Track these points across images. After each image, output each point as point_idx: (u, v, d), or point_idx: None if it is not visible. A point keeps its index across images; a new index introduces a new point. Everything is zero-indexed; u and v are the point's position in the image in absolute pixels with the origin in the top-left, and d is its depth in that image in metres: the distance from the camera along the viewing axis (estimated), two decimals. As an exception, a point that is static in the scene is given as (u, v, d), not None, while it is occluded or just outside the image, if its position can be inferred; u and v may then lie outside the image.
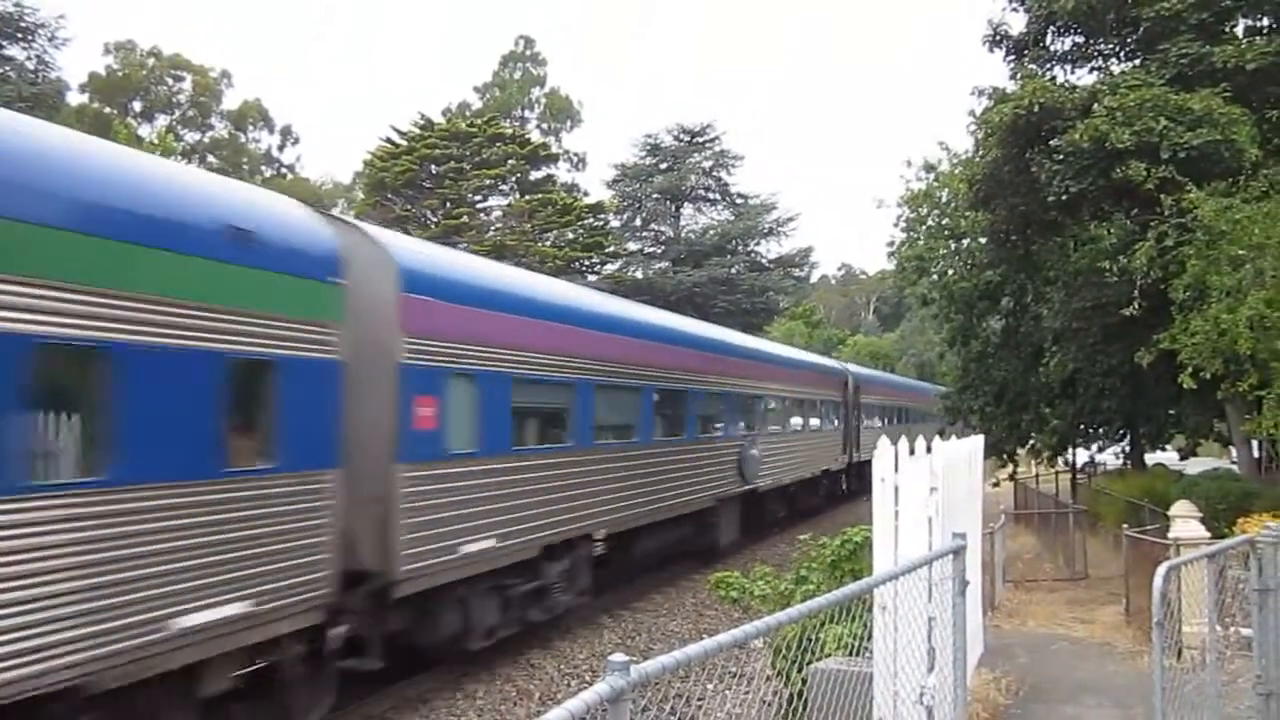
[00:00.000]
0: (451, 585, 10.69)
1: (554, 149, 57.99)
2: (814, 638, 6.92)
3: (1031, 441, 25.03)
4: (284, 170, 73.31)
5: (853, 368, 36.71)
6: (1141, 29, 18.12)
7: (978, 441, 12.13)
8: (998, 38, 20.84)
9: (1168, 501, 14.13)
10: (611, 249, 52.16)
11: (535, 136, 58.01)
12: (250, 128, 73.01)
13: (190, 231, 7.56)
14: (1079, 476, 27.88)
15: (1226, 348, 14.29)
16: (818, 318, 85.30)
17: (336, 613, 8.98)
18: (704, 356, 19.49)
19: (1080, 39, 20.29)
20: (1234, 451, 20.27)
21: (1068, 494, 26.02)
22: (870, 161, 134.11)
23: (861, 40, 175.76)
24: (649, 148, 55.29)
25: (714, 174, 55.95)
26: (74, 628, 6.33)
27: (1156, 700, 5.95)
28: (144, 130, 59.14)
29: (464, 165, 47.61)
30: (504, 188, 50.29)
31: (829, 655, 7.37)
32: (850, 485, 32.97)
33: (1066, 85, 18.66)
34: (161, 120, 66.07)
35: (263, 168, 71.00)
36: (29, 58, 38.69)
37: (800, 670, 6.75)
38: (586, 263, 50.02)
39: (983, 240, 23.27)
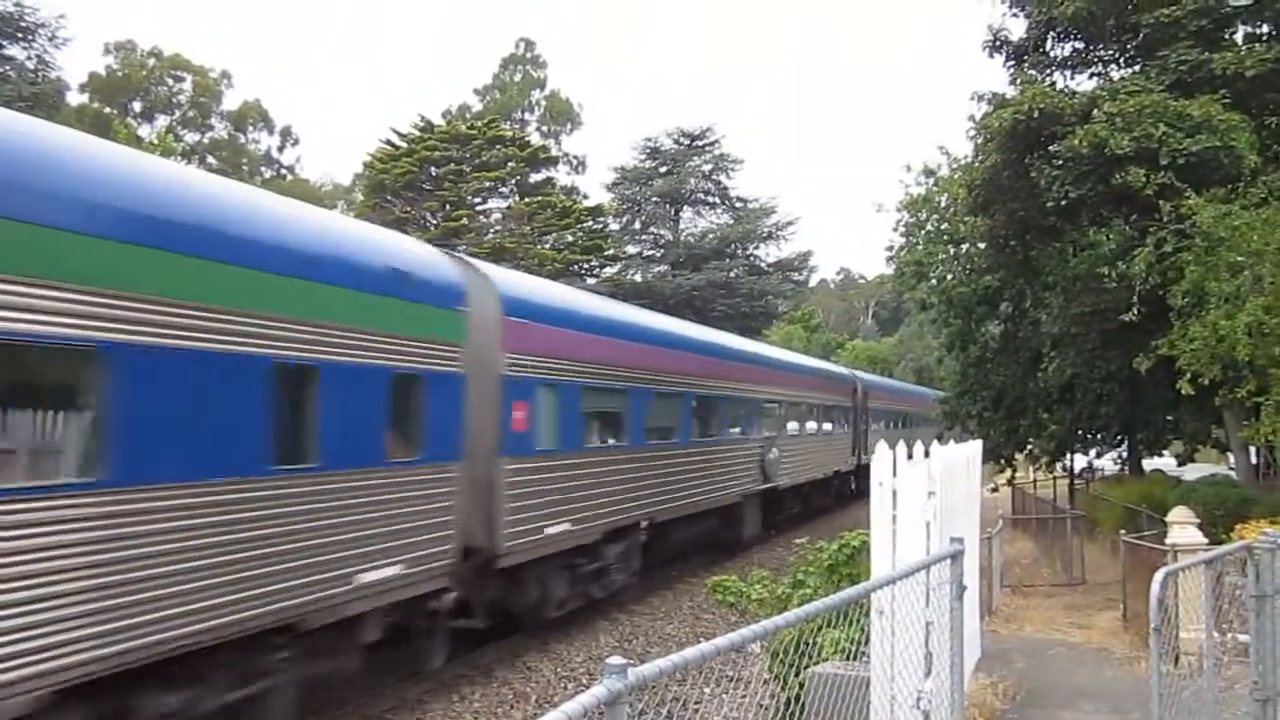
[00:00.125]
0: (536, 561, 12.63)
1: (554, 152, 58.05)
2: (811, 642, 6.92)
3: (1029, 447, 25.04)
4: (283, 171, 73.37)
5: (861, 374, 38.36)
6: (1141, 35, 18.15)
7: (976, 446, 12.14)
8: (998, 43, 20.87)
9: (1165, 507, 14.16)
10: (611, 252, 52.15)
11: (535, 139, 58.05)
12: (250, 128, 73.09)
13: (369, 274, 9.58)
14: (1077, 482, 27.87)
15: (1225, 354, 14.30)
16: (816, 322, 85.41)
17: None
18: (734, 366, 21.51)
19: (1080, 45, 20.32)
20: (1231, 458, 20.28)
21: (1065, 499, 26.03)
22: (870, 165, 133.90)
23: (862, 42, 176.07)
24: (648, 151, 55.31)
25: (713, 177, 55.94)
26: (296, 578, 8.25)
27: (1154, 706, 5.95)
28: (144, 130, 59.19)
29: (464, 167, 47.62)
30: (504, 190, 50.30)
31: (826, 659, 7.37)
32: (859, 485, 33.48)
33: (1066, 91, 18.69)
34: (161, 120, 66.15)
35: (262, 169, 71.06)
36: (29, 57, 38.67)
37: (798, 674, 6.75)
38: (585, 266, 50.02)
39: (982, 245, 23.26)
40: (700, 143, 55.43)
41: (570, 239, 49.40)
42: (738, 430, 21.60)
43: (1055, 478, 28.43)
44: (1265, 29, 18.63)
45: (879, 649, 6.68)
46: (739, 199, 56.50)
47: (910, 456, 7.46)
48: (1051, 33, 20.11)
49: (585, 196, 58.23)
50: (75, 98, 55.70)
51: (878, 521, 7.34)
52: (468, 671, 11.94)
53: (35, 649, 6.03)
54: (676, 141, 55.38)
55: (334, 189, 74.81)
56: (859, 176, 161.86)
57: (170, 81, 68.07)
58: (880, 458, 7.41)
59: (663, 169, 54.73)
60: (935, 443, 8.10)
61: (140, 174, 7.69)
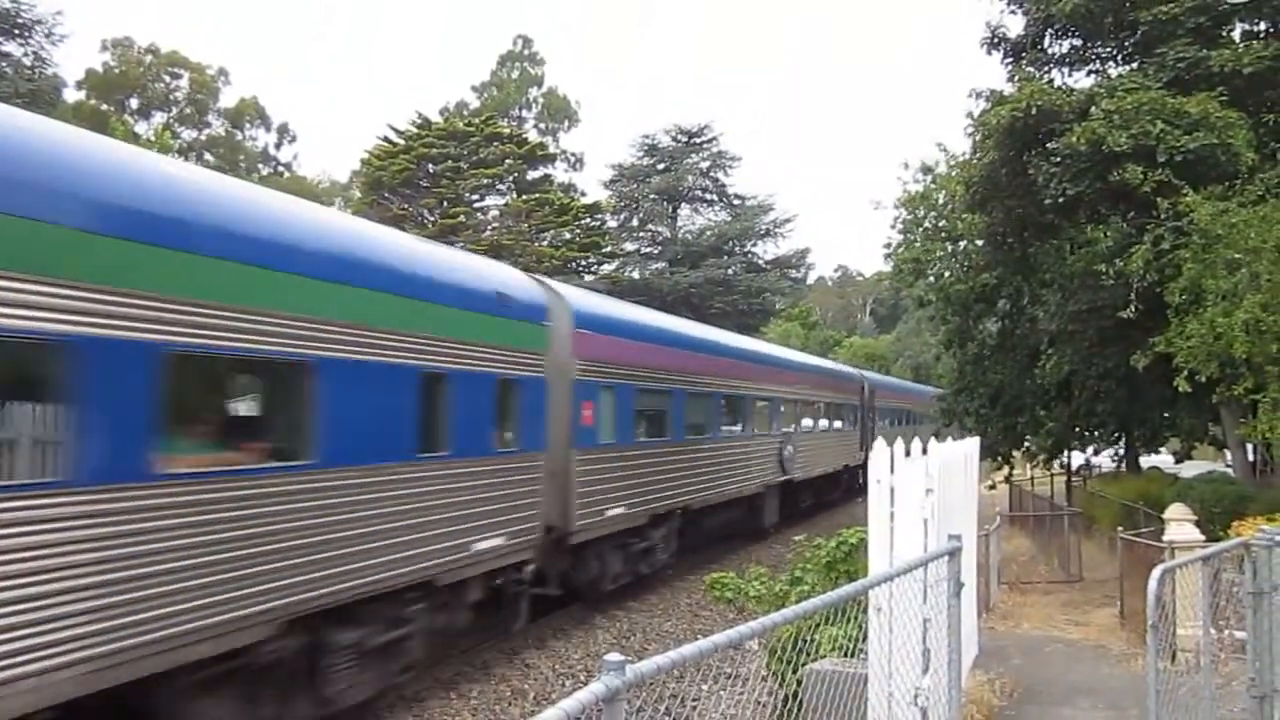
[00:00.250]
0: (598, 539, 14.67)
1: (551, 149, 57.98)
2: (809, 639, 6.92)
3: (1027, 444, 25.05)
4: (280, 169, 73.25)
5: (868, 374, 40.19)
6: (1139, 32, 18.14)
7: (974, 443, 12.14)
8: (996, 40, 20.85)
9: (1162, 504, 14.16)
10: (608, 249, 52.14)
11: (533, 136, 57.96)
12: (247, 126, 72.95)
13: (480, 298, 11.63)
14: (1074, 479, 27.88)
15: (1222, 351, 14.31)
16: (814, 319, 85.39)
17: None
18: (756, 368, 23.48)
19: (1078, 42, 20.30)
20: (1229, 455, 20.31)
21: (1063, 497, 26.05)
22: (868, 162, 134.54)
23: (861, 41, 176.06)
24: (646, 148, 55.30)
25: (711, 175, 55.96)
26: (432, 544, 10.17)
27: (1151, 703, 5.95)
28: (141, 128, 59.06)
29: (461, 165, 47.57)
30: (501, 187, 50.26)
31: (824, 656, 7.37)
32: (865, 479, 33.48)
33: (1064, 88, 18.68)
34: (158, 118, 65.99)
35: (260, 166, 70.92)
36: (25, 54, 38.58)
37: (795, 671, 6.75)
38: (583, 263, 50.01)
39: (979, 242, 23.27)
40: (698, 140, 55.43)
41: (568, 236, 49.39)
42: (759, 427, 23.30)
43: (1053, 475, 28.46)
44: (1263, 26, 18.63)
45: (877, 646, 6.68)
46: (737, 196, 56.54)
47: (909, 454, 7.46)
48: (1050, 30, 20.10)
49: (583, 194, 58.23)
50: (72, 94, 55.67)
51: (875, 519, 7.35)
52: (465, 669, 11.94)
53: (281, 587, 8.00)
54: (674, 139, 55.38)
55: (331, 186, 74.72)
56: (857, 174, 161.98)
57: (167, 78, 67.91)
58: (878, 455, 7.41)
59: (660, 166, 54.73)
60: (933, 440, 8.11)
61: (349, 231, 10.36)
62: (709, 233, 55.37)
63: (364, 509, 9.07)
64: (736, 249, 55.45)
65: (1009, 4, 20.50)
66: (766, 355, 26.15)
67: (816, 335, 77.80)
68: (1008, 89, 19.46)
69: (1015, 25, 20.70)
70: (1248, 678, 7.16)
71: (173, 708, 7.38)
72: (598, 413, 14.47)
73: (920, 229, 27.36)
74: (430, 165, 47.55)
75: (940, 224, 26.51)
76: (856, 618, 6.63)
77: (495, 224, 48.29)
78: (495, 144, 48.61)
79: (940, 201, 26.43)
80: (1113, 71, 19.67)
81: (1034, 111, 16.88)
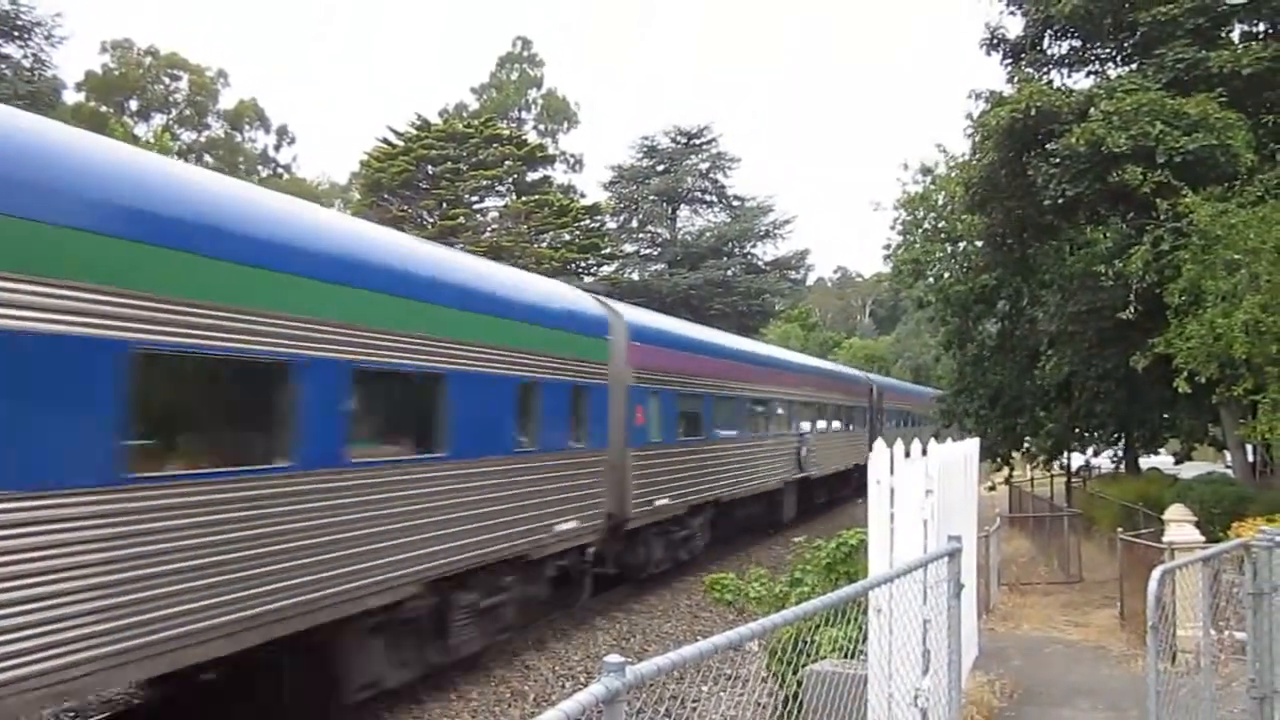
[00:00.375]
0: (647, 526, 16.52)
1: (551, 150, 58.01)
2: (809, 640, 6.91)
3: (1027, 445, 25.05)
4: (280, 170, 73.27)
5: (876, 378, 42.71)
6: (1138, 33, 18.16)
7: (973, 444, 12.14)
8: (995, 41, 20.87)
9: (1162, 505, 14.16)
10: (608, 250, 52.15)
11: (532, 138, 58.00)
12: (246, 127, 72.96)
13: (558, 316, 13.67)
14: (1074, 480, 27.88)
15: (1221, 352, 14.31)
16: (813, 320, 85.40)
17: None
18: (776, 373, 25.33)
19: (1077, 43, 20.32)
20: (1228, 456, 20.30)
21: (1062, 498, 26.05)
22: (867, 164, 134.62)
23: (860, 41, 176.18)
24: (646, 149, 55.31)
25: (711, 176, 55.96)
26: (525, 524, 12.05)
27: (1151, 704, 5.95)
28: (140, 129, 59.08)
29: (461, 166, 47.58)
30: (500, 189, 50.27)
31: (824, 657, 7.36)
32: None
33: (1063, 89, 18.69)
34: (158, 119, 66.01)
35: (259, 167, 70.93)
36: (25, 56, 38.58)
37: (795, 672, 6.75)
38: (583, 264, 50.01)
39: (979, 243, 23.28)
40: (698, 141, 55.44)
41: (567, 237, 49.40)
42: (780, 428, 25.13)
43: (1052, 476, 28.46)
44: (1262, 27, 18.64)
45: (877, 647, 6.68)
46: (736, 198, 56.56)
47: (908, 455, 7.45)
48: (1049, 31, 20.12)
49: (582, 195, 58.25)
50: (71, 96, 55.68)
51: (875, 520, 7.34)
52: (465, 670, 11.93)
53: (424, 554, 9.88)
54: (674, 140, 55.39)
55: (331, 188, 74.74)
56: (856, 175, 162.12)
57: (167, 80, 67.96)
58: (878, 456, 7.40)
59: (660, 168, 54.74)
60: (933, 441, 8.10)
61: (467, 267, 12.55)
62: (708, 234, 55.38)
63: (479, 494, 11.02)
64: (736, 250, 55.46)
65: (1008, 5, 20.53)
66: (786, 361, 28.26)
67: (816, 336, 77.80)
68: (1007, 90, 19.48)
69: (1015, 26, 20.76)
70: (1248, 679, 7.16)
71: (352, 644, 9.28)
72: (647, 415, 16.41)
73: (920, 230, 27.37)
74: (430, 167, 47.57)
75: (940, 225, 26.51)
76: (856, 619, 6.63)
77: (495, 225, 48.31)
78: (495, 145, 48.62)
79: (940, 202, 26.44)
80: (1112, 72, 19.68)
81: (1033, 112, 16.90)
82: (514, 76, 68.70)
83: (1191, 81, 16.77)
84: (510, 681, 11.81)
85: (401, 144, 47.69)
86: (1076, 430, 23.69)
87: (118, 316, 6.52)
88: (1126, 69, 19.10)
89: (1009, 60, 20.85)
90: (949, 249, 26.44)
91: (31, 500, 6.00)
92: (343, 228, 10.48)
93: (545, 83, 69.27)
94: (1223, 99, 16.01)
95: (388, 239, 11.28)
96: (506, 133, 52.12)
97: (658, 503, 16.65)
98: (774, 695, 8.01)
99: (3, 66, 37.20)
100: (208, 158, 65.13)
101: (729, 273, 53.41)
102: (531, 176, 51.97)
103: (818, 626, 7.01)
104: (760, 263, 56.39)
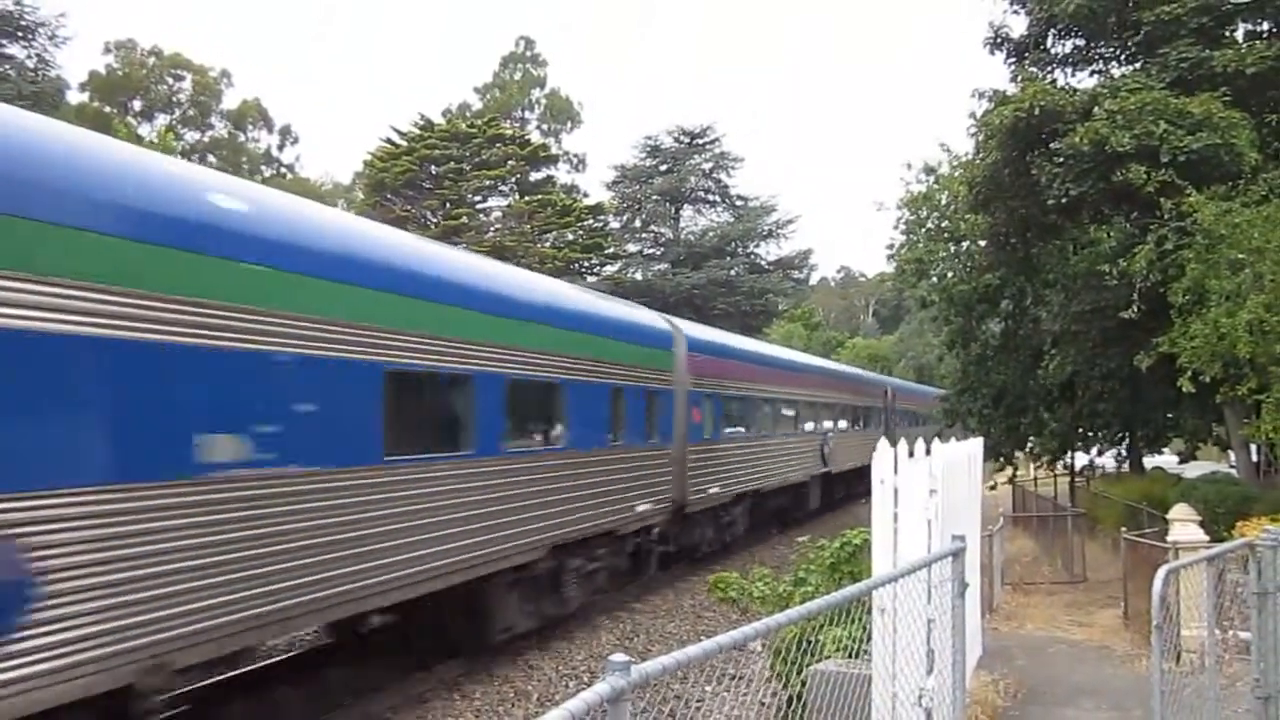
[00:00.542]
0: (701, 512, 18.69)
1: (554, 150, 58.00)
2: (813, 640, 6.92)
3: (1030, 445, 25.02)
4: (283, 170, 73.31)
5: (890, 380, 46.05)
6: (1142, 33, 18.12)
7: (977, 444, 12.13)
8: (999, 40, 20.86)
9: (1166, 505, 14.15)
10: (611, 250, 52.15)
11: (535, 137, 57.99)
12: (250, 127, 73.01)
13: (636, 332, 16.33)
14: (1077, 480, 27.85)
15: (1225, 351, 14.29)
16: (817, 320, 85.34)
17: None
18: (805, 376, 28.12)
19: (1081, 42, 20.30)
20: (1232, 455, 20.27)
21: (1066, 497, 26.01)
22: (870, 163, 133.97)
23: (861, 41, 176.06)
24: (649, 149, 55.31)
25: (714, 176, 55.96)
26: (614, 504, 14.51)
27: (1155, 704, 5.94)
28: (144, 130, 59.14)
29: (464, 166, 47.61)
30: (504, 188, 50.28)
31: (828, 657, 7.36)
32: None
33: (1067, 88, 18.68)
34: (161, 119, 66.05)
35: (262, 167, 70.99)
36: (29, 56, 38.68)
37: (799, 672, 6.75)
38: (586, 264, 50.02)
39: (982, 243, 23.25)
40: (700, 141, 55.42)
41: (570, 237, 49.40)
42: (807, 426, 27.56)
43: (1056, 475, 28.43)
44: (1266, 26, 18.61)
45: (881, 647, 6.67)
46: (739, 197, 56.53)
47: (911, 455, 7.45)
48: (1052, 30, 20.10)
49: (585, 195, 58.26)
50: (75, 96, 55.73)
51: (879, 519, 7.33)
52: (469, 669, 11.94)
53: (550, 525, 12.37)
54: (677, 140, 55.38)
55: (334, 187, 74.78)
56: (859, 175, 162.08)
57: (170, 80, 67.97)
58: (881, 455, 7.39)
59: (663, 167, 54.74)
60: (936, 440, 8.10)
61: (577, 295, 15.76)
62: (711, 234, 55.37)
63: (585, 479, 13.47)
64: (739, 250, 55.45)
65: (1012, 4, 20.52)
66: (813, 367, 31.29)
67: (819, 336, 77.73)
68: (1010, 89, 19.45)
69: (1018, 25, 20.74)
70: (1252, 678, 7.16)
71: (496, 595, 11.62)
72: (702, 415, 18.63)
73: (923, 229, 27.36)
74: (433, 166, 47.59)
75: (943, 224, 26.50)
76: (860, 618, 6.63)
77: (498, 225, 48.33)
78: (498, 145, 48.64)
79: (943, 202, 26.43)
80: (1116, 72, 19.66)
81: (1037, 112, 16.88)
82: (517, 76, 68.71)
83: (1195, 81, 16.74)
84: (514, 681, 11.81)
85: (405, 144, 47.71)
86: (1080, 430, 23.66)
87: (377, 346, 9.03)
88: (1130, 68, 19.07)
89: (1013, 59, 20.84)
90: (952, 248, 26.43)
91: (334, 474, 8.46)
92: (499, 271, 13.55)
93: (548, 83, 69.32)
94: (1227, 98, 15.98)
95: (525, 278, 14.39)
96: (509, 132, 52.12)
97: (710, 491, 18.95)
98: (778, 695, 8.01)
99: (7, 67, 37.27)
100: (211, 158, 65.17)
101: (732, 272, 53.40)
102: (535, 176, 51.98)
103: (822, 626, 7.02)
104: (763, 262, 56.38)
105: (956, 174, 24.60)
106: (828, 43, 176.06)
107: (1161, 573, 6.17)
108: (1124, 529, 14.75)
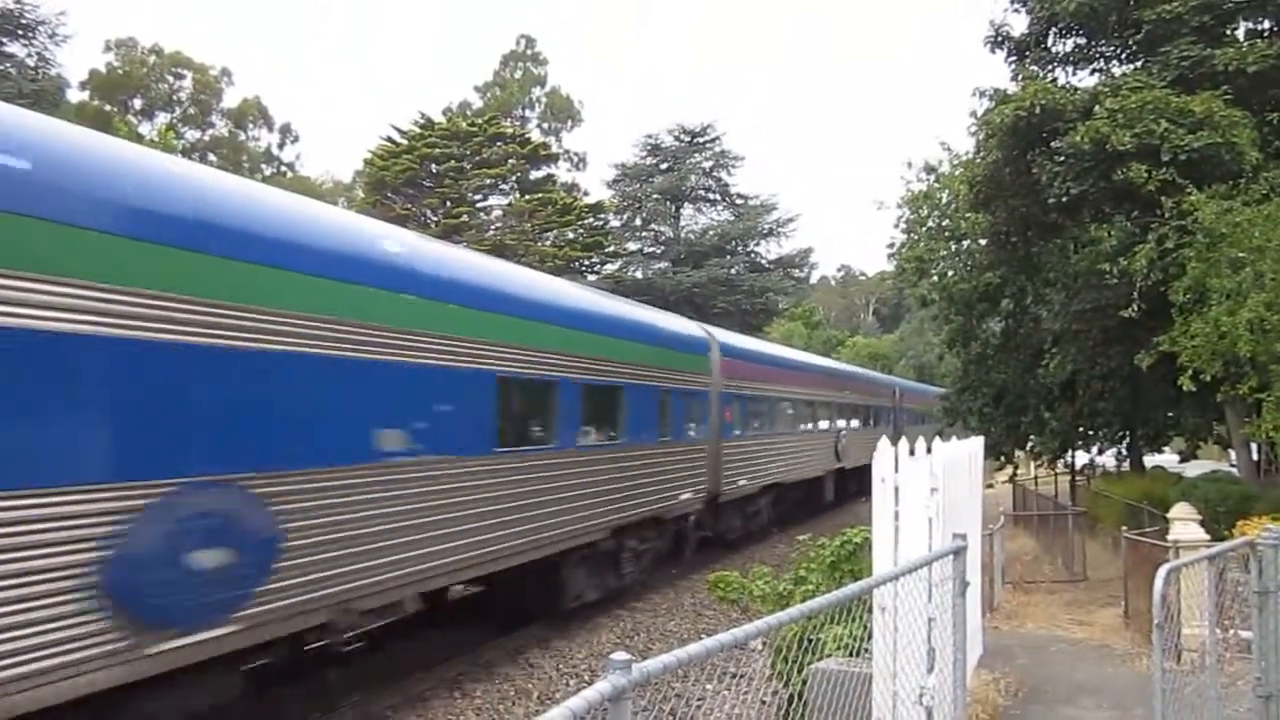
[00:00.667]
0: (732, 501, 20.47)
1: (554, 149, 57.98)
2: (814, 638, 6.91)
3: (1031, 444, 25.03)
4: (284, 169, 73.31)
5: (898, 380, 47.76)
6: (1143, 31, 18.11)
7: (978, 443, 12.12)
8: (999, 39, 20.84)
9: (1167, 504, 14.13)
10: (611, 249, 52.13)
11: (535, 136, 57.97)
12: (250, 126, 73.01)
13: (680, 340, 18.14)
14: (1078, 479, 27.87)
15: (1226, 350, 14.29)
16: (817, 319, 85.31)
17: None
18: (822, 378, 30.09)
19: (1082, 41, 20.29)
20: (1233, 454, 20.27)
21: (1066, 496, 26.02)
22: (870, 162, 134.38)
23: (859, 39, 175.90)
24: (649, 148, 55.30)
25: (714, 174, 55.94)
26: (663, 491, 16.37)
27: (1157, 703, 5.94)
28: (144, 128, 59.14)
29: (464, 164, 47.58)
30: (504, 187, 50.26)
31: (829, 656, 7.36)
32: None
33: (1068, 87, 18.66)
34: (162, 118, 66.05)
35: (263, 166, 70.99)
36: (29, 54, 38.63)
37: (800, 671, 6.75)
38: (586, 263, 50.01)
39: (983, 242, 23.26)
40: (701, 140, 55.40)
41: (571, 236, 49.39)
42: (823, 425, 29.22)
43: (1056, 474, 28.43)
44: (1267, 25, 18.60)
45: (881, 645, 6.67)
46: (739, 196, 56.51)
47: (911, 453, 7.44)
48: (1053, 28, 20.08)
49: (586, 193, 58.25)
50: (75, 95, 55.72)
51: (880, 518, 7.33)
52: (469, 668, 11.95)
53: (611, 510, 14.22)
54: (677, 138, 55.36)
55: (335, 186, 74.77)
56: (859, 173, 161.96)
57: (171, 79, 67.98)
58: (882, 454, 7.39)
59: (663, 166, 54.73)
60: (937, 439, 8.10)
61: (635, 312, 17.51)
62: (712, 232, 55.37)
63: (641, 468, 15.37)
64: (739, 248, 55.44)
65: (1013, 2, 20.51)
66: (828, 368, 33.46)
67: (820, 335, 77.73)
68: (1011, 88, 19.45)
69: (1019, 24, 20.72)
70: (1253, 677, 7.15)
71: (565, 568, 13.49)
72: (733, 414, 20.27)
73: (923, 228, 27.38)
74: (433, 165, 47.56)
75: (944, 223, 26.52)
76: (861, 617, 6.63)
77: (498, 224, 48.31)
78: (498, 144, 48.62)
79: (944, 201, 26.45)
80: (1117, 70, 19.64)
81: (1038, 110, 16.87)
82: (518, 75, 68.69)
83: (1196, 79, 16.73)
84: (514, 679, 11.82)
85: (405, 142, 47.68)
86: (1080, 429, 23.67)
87: (491, 357, 10.93)
88: (1131, 67, 19.05)
89: (1013, 58, 20.82)
90: (953, 247, 26.45)
91: (461, 461, 10.26)
92: (575, 291, 15.76)
93: (549, 81, 69.30)
94: (1228, 97, 15.97)
95: (594, 296, 16.63)
96: (510, 131, 52.10)
97: (740, 483, 20.63)
98: (778, 694, 8.01)
99: (7, 65, 37.25)
100: (212, 156, 65.20)
101: (732, 271, 53.40)
102: (535, 175, 51.95)
103: (822, 625, 7.02)
104: (764, 261, 56.37)
105: (957, 172, 24.62)
106: (825, 40, 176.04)
107: (1162, 572, 6.16)
108: (1124, 528, 14.74)
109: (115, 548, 6.32)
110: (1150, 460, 26.81)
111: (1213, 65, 16.63)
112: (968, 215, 23.24)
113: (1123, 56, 19.91)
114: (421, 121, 48.80)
